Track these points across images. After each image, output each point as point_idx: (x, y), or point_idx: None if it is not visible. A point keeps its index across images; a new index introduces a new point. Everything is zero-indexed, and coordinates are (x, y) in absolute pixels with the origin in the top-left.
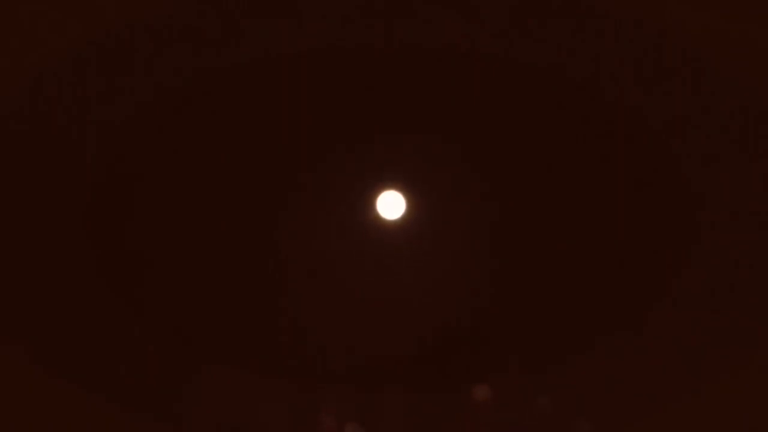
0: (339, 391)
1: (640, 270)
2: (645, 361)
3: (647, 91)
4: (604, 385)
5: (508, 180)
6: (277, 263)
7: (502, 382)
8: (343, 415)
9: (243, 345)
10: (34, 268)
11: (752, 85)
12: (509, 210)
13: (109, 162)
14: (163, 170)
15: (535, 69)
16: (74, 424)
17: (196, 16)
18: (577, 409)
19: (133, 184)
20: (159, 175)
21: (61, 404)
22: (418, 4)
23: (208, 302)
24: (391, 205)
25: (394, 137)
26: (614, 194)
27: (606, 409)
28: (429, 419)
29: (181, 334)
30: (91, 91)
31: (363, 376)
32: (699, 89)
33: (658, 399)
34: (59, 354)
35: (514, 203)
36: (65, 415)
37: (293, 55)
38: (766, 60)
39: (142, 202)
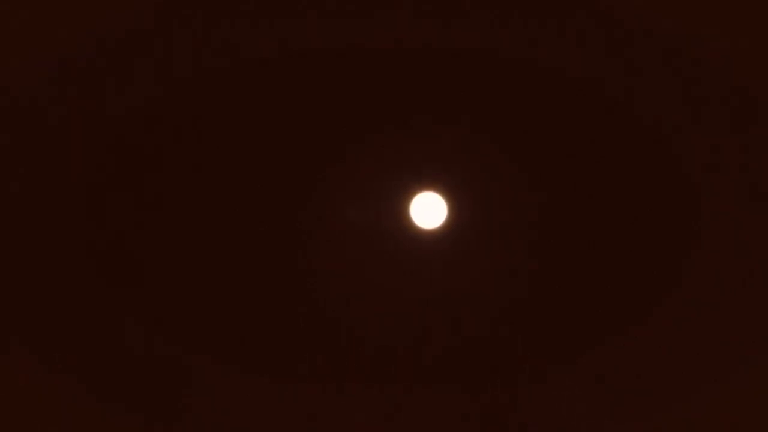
0: (365, 392)
1: (641, 271)
2: (645, 362)
3: (648, 91)
4: (605, 385)
5: (509, 180)
6: (296, 266)
7: (514, 384)
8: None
9: (259, 348)
10: (32, 266)
11: (751, 82)
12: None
13: (111, 161)
14: (168, 170)
15: (534, 68)
16: (74, 423)
17: (199, 15)
18: (581, 409)
19: (137, 183)
20: (163, 174)
21: (63, 403)
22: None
23: (223, 304)
24: (424, 208)
25: (409, 138)
26: (614, 194)
27: (606, 410)
28: (453, 419)
29: (196, 337)
30: (91, 92)
31: (389, 377)
32: (699, 87)
33: (659, 400)
34: (60, 353)
35: (511, 203)
36: (66, 415)
37: (307, 53)
38: (764, 56)
39: (147, 202)
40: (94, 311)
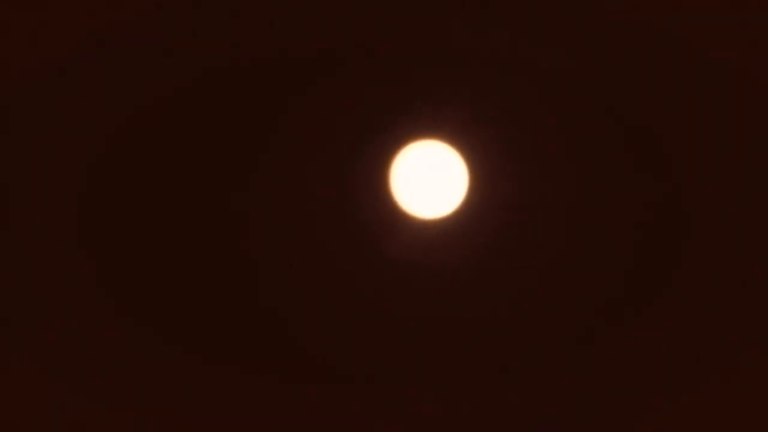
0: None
1: (631, 273)
2: (637, 361)
3: (644, 96)
4: (598, 385)
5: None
6: (295, 265)
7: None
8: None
9: (259, 348)
10: (27, 264)
11: (749, 86)
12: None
13: (110, 161)
14: (157, 171)
15: (531, 70)
16: (71, 424)
17: (200, 16)
18: (576, 407)
19: (136, 183)
20: (153, 176)
21: (58, 406)
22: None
23: (221, 304)
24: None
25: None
26: (609, 195)
27: (601, 409)
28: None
29: (194, 337)
30: (90, 91)
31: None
32: (694, 91)
33: (652, 399)
34: (57, 356)
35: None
36: (62, 415)
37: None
38: (760, 56)
39: (136, 202)
40: (92, 312)
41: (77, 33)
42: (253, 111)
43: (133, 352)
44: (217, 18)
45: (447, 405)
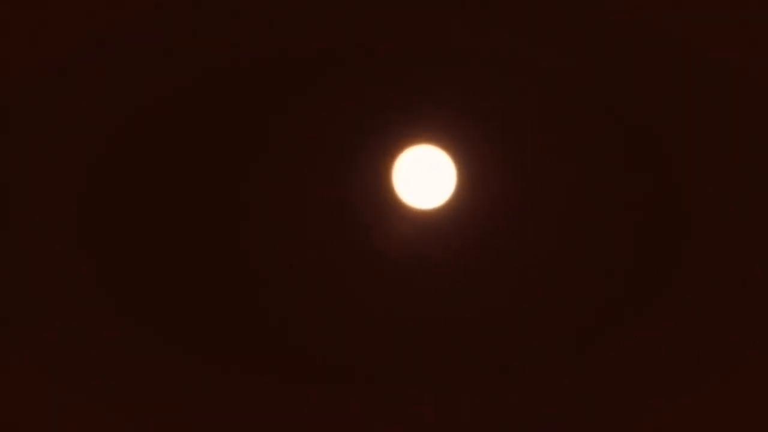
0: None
1: (631, 273)
2: (637, 361)
3: (642, 93)
4: (598, 385)
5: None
6: (293, 264)
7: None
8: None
9: (258, 348)
10: (27, 264)
11: (750, 85)
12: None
13: (110, 162)
14: (157, 171)
15: (531, 70)
16: (71, 425)
17: (200, 16)
18: (576, 407)
19: (136, 183)
20: (153, 176)
21: (59, 406)
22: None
23: (221, 303)
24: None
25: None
26: (608, 195)
27: (601, 409)
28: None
29: (194, 337)
30: (90, 92)
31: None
32: (695, 90)
33: (652, 399)
34: (57, 356)
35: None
36: (63, 417)
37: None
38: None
39: (136, 202)
40: (91, 312)
41: (77, 33)
42: (253, 111)
43: (133, 352)
44: (217, 18)
45: (447, 405)
